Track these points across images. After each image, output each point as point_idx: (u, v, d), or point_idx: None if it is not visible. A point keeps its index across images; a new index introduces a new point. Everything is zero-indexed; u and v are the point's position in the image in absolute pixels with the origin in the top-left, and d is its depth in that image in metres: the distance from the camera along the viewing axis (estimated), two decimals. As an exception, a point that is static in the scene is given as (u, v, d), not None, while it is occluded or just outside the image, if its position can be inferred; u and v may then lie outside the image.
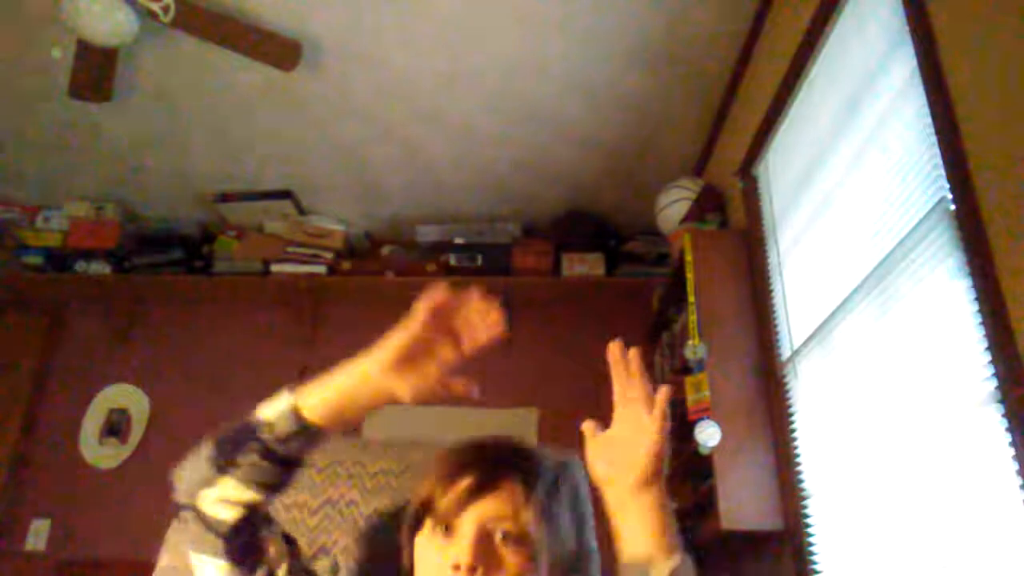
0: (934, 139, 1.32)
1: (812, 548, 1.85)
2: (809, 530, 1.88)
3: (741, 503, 2.03)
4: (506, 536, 0.81)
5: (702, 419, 2.10)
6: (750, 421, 2.12)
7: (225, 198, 3.19)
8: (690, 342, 2.23)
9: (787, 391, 2.07)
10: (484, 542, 0.79)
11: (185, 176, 3.09)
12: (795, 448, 1.99)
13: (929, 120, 1.34)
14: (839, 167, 1.80)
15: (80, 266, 3.16)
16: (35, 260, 3.16)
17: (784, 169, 2.17)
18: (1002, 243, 1.16)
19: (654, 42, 2.38)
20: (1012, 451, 1.08)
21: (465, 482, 0.82)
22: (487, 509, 0.81)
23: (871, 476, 1.56)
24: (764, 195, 2.33)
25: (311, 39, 2.35)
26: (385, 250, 3.30)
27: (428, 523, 0.83)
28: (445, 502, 0.82)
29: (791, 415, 2.03)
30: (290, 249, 3.18)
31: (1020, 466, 1.06)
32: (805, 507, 1.91)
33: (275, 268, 3.17)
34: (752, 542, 2.16)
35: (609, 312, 3.26)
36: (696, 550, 2.49)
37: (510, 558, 0.80)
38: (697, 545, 2.39)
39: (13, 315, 3.24)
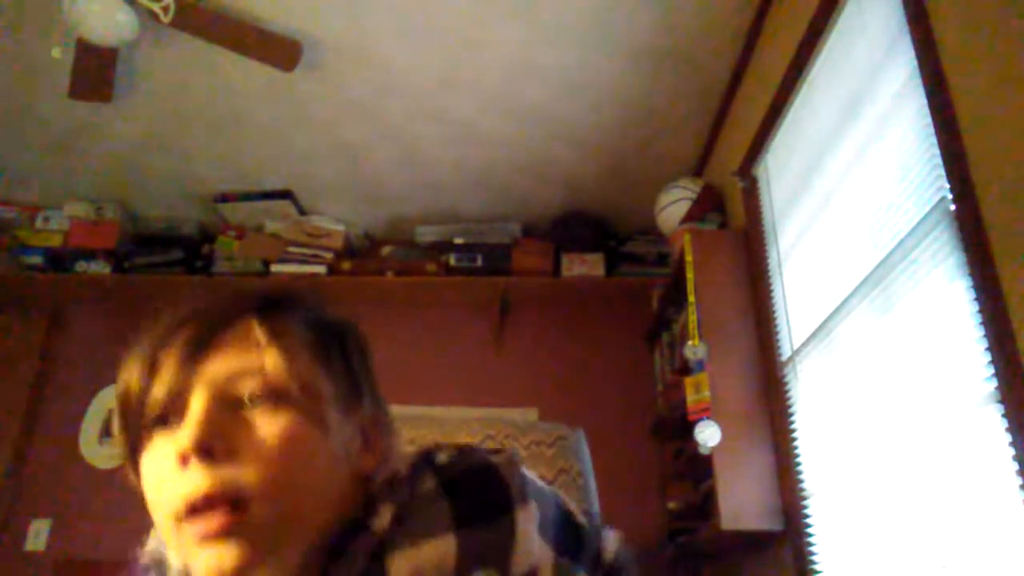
0: (934, 139, 1.32)
1: (812, 548, 1.85)
2: (809, 530, 1.88)
3: (741, 503, 2.03)
4: (257, 396, 0.55)
5: (702, 419, 2.10)
6: (750, 421, 2.12)
7: (225, 198, 3.19)
8: (690, 342, 2.23)
9: (787, 391, 2.07)
10: (223, 411, 0.54)
11: (185, 176, 3.09)
12: (795, 448, 1.99)
13: (929, 120, 1.34)
14: (839, 167, 1.80)
15: (80, 266, 3.16)
16: (35, 260, 3.16)
17: (784, 169, 2.17)
18: (1002, 243, 1.16)
19: (654, 42, 2.38)
20: (1012, 451, 1.08)
21: (178, 342, 0.57)
22: (217, 367, 0.56)
23: (871, 476, 1.56)
24: (764, 195, 2.33)
25: (311, 39, 2.35)
26: (385, 250, 3.30)
27: (145, 428, 0.57)
28: (158, 383, 0.56)
29: (791, 415, 2.04)
30: (290, 249, 3.18)
31: (1020, 466, 1.06)
32: (805, 507, 1.91)
33: (275, 268, 3.16)
34: (752, 542, 2.16)
35: (609, 312, 3.26)
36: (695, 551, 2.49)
37: (271, 423, 0.55)
38: (697, 545, 2.39)
39: (13, 315, 3.24)
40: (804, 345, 1.94)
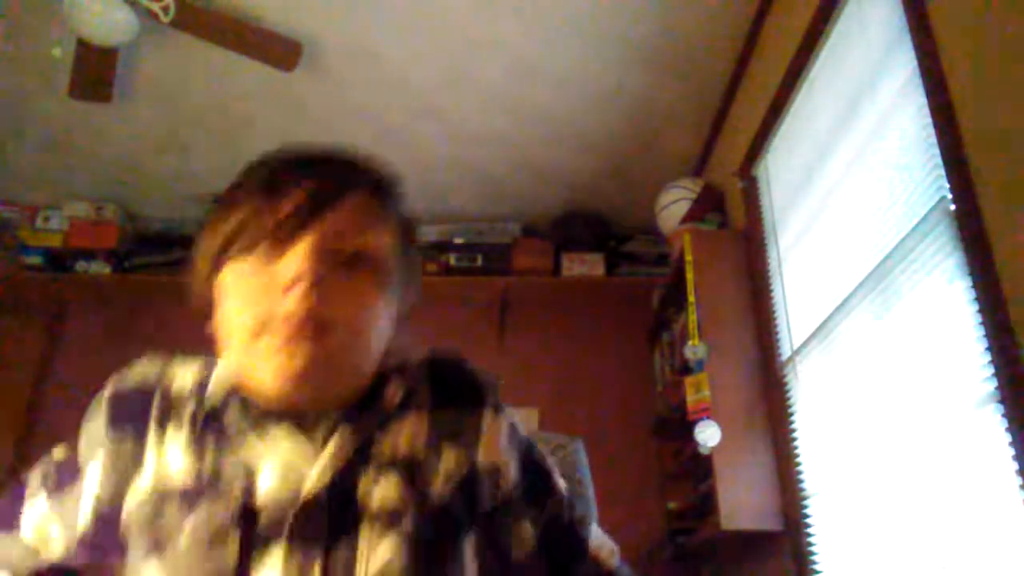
0: (934, 139, 1.32)
1: (812, 548, 1.85)
2: (809, 530, 1.88)
3: (741, 503, 2.03)
4: (354, 256, 0.65)
5: (702, 419, 2.10)
6: (750, 421, 2.12)
7: (225, 198, 3.19)
8: (690, 342, 2.23)
9: (787, 391, 2.07)
10: (324, 258, 0.63)
11: (185, 176, 3.09)
12: (795, 448, 1.99)
13: (929, 120, 1.34)
14: (839, 167, 1.80)
15: (80, 266, 3.16)
16: (35, 260, 3.16)
17: (784, 169, 2.17)
18: (1002, 243, 1.16)
19: (654, 42, 2.38)
20: (1012, 451, 1.08)
21: (298, 192, 0.65)
22: (329, 224, 0.64)
23: (871, 476, 1.56)
24: (764, 195, 2.33)
25: (311, 39, 2.35)
26: (385, 250, 3.30)
27: (241, 250, 0.65)
28: (271, 220, 0.64)
29: (791, 415, 2.04)
30: (290, 249, 3.18)
31: (1020, 466, 1.06)
32: (805, 507, 1.91)
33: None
34: (752, 542, 2.16)
35: (609, 312, 3.26)
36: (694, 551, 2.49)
37: (356, 283, 0.65)
38: (697, 545, 2.39)
39: (13, 315, 3.23)
40: (804, 345, 1.94)
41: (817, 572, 1.81)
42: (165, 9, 2.14)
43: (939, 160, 1.31)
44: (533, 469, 0.76)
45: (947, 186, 1.28)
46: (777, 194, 2.23)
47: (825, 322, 1.80)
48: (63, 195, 3.19)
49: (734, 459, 2.07)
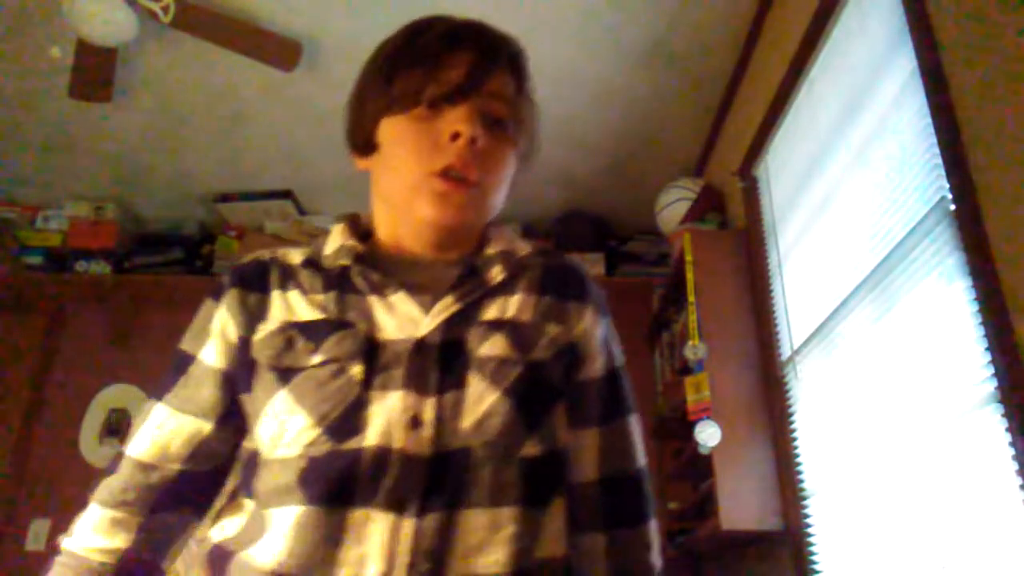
0: (934, 139, 1.32)
1: (812, 548, 1.85)
2: (809, 530, 1.88)
3: (741, 503, 2.03)
4: (499, 122, 0.77)
5: (702, 419, 2.10)
6: (750, 421, 2.12)
7: (225, 198, 3.19)
8: (690, 342, 2.23)
9: (787, 391, 2.07)
10: (480, 120, 0.74)
11: (185, 176, 3.09)
12: (795, 448, 1.99)
13: (929, 120, 1.34)
14: (839, 167, 1.80)
15: (80, 266, 3.16)
16: (35, 260, 3.16)
17: (784, 169, 2.17)
18: (1002, 243, 1.16)
19: (654, 42, 2.38)
20: (1012, 451, 1.08)
21: (463, 60, 0.75)
22: (486, 91, 0.76)
23: (871, 476, 1.56)
24: (764, 195, 2.33)
25: (311, 39, 2.35)
26: (385, 250, 3.30)
27: (408, 107, 0.75)
28: (439, 83, 0.75)
29: (791, 415, 2.04)
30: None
31: (1020, 466, 1.06)
32: (805, 507, 1.91)
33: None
34: (752, 542, 2.16)
35: (610, 311, 3.26)
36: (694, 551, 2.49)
37: (499, 146, 0.77)
38: (697, 545, 2.39)
39: (13, 315, 3.23)
40: (804, 345, 1.94)
41: (817, 572, 1.81)
42: (165, 9, 2.14)
43: (939, 160, 1.31)
44: (614, 383, 0.83)
45: (947, 186, 1.28)
46: (777, 194, 2.23)
47: (825, 322, 1.80)
48: (63, 195, 3.19)
49: (734, 459, 2.07)
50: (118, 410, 3.10)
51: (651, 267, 3.19)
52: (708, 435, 2.06)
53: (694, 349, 2.21)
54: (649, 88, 2.57)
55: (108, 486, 0.78)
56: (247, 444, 0.76)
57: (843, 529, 1.70)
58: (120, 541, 0.75)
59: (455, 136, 0.73)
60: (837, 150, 1.81)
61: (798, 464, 1.97)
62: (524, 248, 0.84)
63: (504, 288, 0.78)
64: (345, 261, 0.77)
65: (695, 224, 2.63)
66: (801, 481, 1.94)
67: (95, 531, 0.76)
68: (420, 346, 0.71)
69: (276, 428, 0.70)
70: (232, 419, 0.77)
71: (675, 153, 2.91)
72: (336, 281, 0.77)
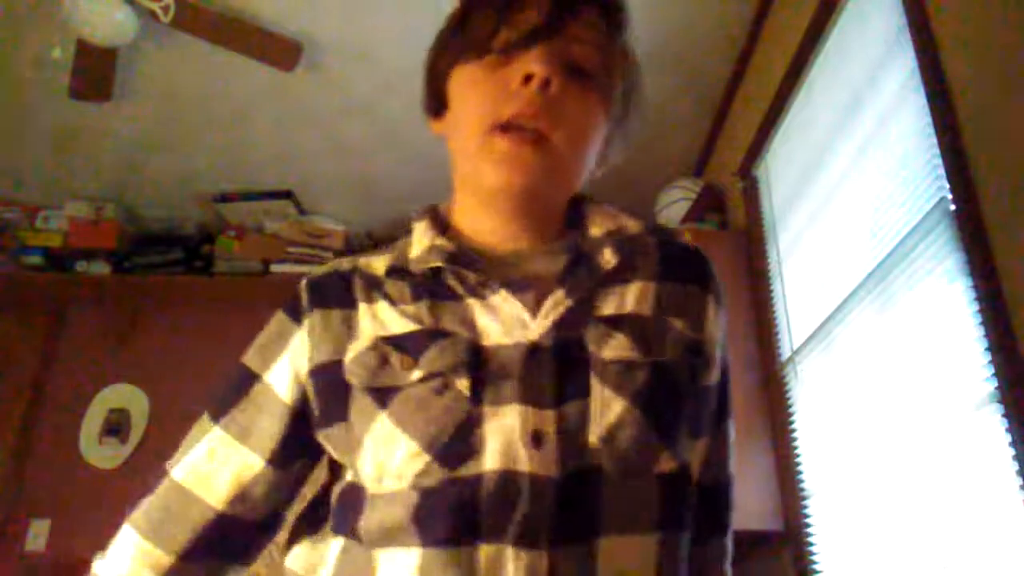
0: (934, 139, 1.32)
1: (812, 548, 1.85)
2: (809, 530, 1.88)
3: (741, 503, 2.01)
4: (583, 70, 0.67)
5: (702, 419, 2.10)
6: (750, 421, 2.12)
7: (225, 198, 3.19)
8: (690, 342, 2.22)
9: (787, 391, 2.07)
10: (556, 65, 0.65)
11: (185, 176, 3.09)
12: (795, 448, 1.99)
13: (929, 120, 1.34)
14: (839, 167, 1.80)
15: (80, 266, 3.16)
16: (35, 260, 3.16)
17: (784, 169, 2.17)
18: (1002, 243, 1.16)
19: (654, 42, 2.37)
20: (1012, 451, 1.08)
21: (539, 2, 0.66)
22: (565, 35, 0.67)
23: (871, 476, 1.56)
24: (764, 195, 2.32)
25: (311, 39, 2.34)
26: (385, 250, 3.29)
27: (478, 54, 0.67)
28: (514, 22, 0.66)
29: (791, 415, 2.03)
30: (290, 249, 3.18)
31: (1020, 466, 1.06)
32: (805, 507, 1.91)
33: (275, 268, 3.16)
34: (752, 542, 2.16)
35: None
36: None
37: (581, 97, 0.67)
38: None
39: (13, 315, 3.23)
40: (804, 345, 1.94)
41: (817, 572, 1.81)
42: (165, 9, 2.14)
43: (939, 160, 1.31)
44: (726, 383, 0.75)
45: (947, 186, 1.28)
46: (777, 194, 2.23)
47: (825, 322, 1.80)
48: (63, 195, 3.19)
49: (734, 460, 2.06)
50: (118, 410, 3.10)
51: (651, 267, 3.19)
52: (708, 435, 2.06)
53: (694, 349, 2.20)
54: (649, 88, 2.56)
55: (147, 510, 0.70)
56: (342, 484, 0.67)
57: (843, 529, 1.70)
58: None
59: (527, 79, 0.63)
60: (837, 150, 1.81)
61: (798, 464, 1.97)
62: (634, 225, 0.73)
63: (618, 276, 0.68)
64: (437, 262, 0.67)
65: (695, 224, 2.62)
66: (801, 481, 1.94)
67: (128, 563, 0.68)
68: (533, 351, 0.61)
69: (380, 458, 0.61)
70: (292, 463, 0.69)
71: (675, 153, 2.91)
72: (427, 287, 0.67)
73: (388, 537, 0.59)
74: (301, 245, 3.19)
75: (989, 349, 1.15)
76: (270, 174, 3.08)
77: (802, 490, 1.93)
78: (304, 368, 0.68)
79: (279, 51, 2.30)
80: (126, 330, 3.26)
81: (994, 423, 1.13)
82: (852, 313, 1.67)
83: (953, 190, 1.26)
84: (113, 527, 0.77)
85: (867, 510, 1.58)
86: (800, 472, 1.95)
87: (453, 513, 0.57)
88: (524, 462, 0.57)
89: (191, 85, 2.58)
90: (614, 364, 0.62)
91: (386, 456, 0.60)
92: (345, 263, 0.74)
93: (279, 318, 0.72)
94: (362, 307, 0.68)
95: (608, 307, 0.66)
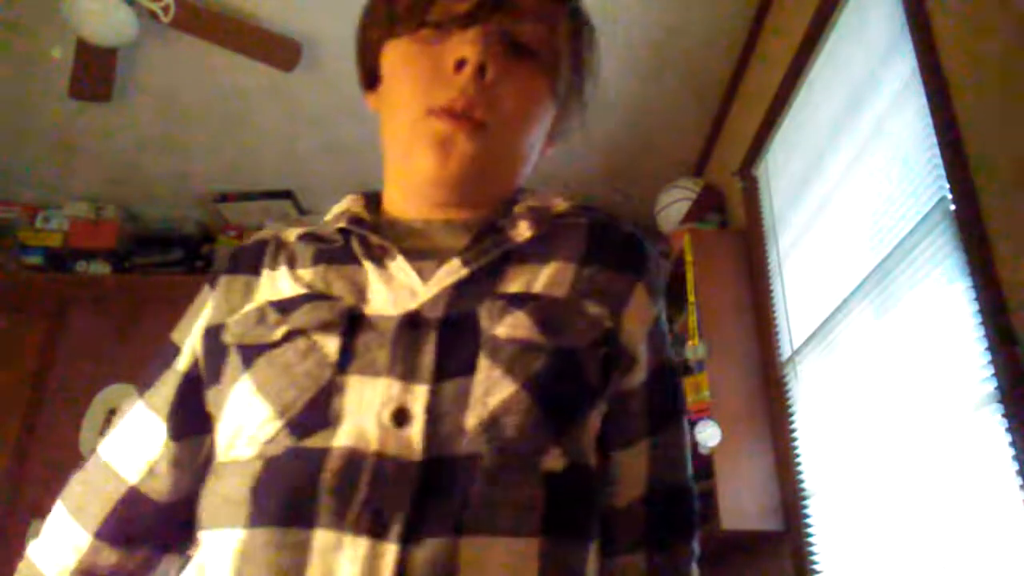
0: (934, 139, 1.32)
1: (812, 548, 1.85)
2: (809, 530, 1.88)
3: (741, 503, 2.03)
4: (525, 47, 0.62)
5: (702, 419, 2.10)
6: (750, 421, 2.12)
7: (225, 198, 3.19)
8: (690, 342, 2.22)
9: (787, 391, 2.07)
10: (496, 44, 0.60)
11: (185, 176, 3.09)
12: (795, 448, 1.99)
13: (929, 120, 1.34)
14: (839, 167, 1.80)
15: (80, 266, 3.16)
16: (35, 260, 3.16)
17: (784, 169, 2.17)
18: (1002, 243, 1.16)
19: (654, 42, 2.37)
20: (1012, 451, 1.08)
21: None
22: (506, 8, 0.61)
23: (871, 476, 1.56)
24: (764, 195, 2.32)
25: (311, 39, 2.34)
26: (385, 250, 3.29)
27: (410, 28, 0.62)
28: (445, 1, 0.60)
29: (791, 415, 2.03)
30: (290, 249, 3.18)
31: (1020, 466, 1.06)
32: (805, 507, 1.91)
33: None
34: (752, 542, 2.16)
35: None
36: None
37: (524, 77, 0.62)
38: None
39: (13, 315, 3.23)
40: (804, 345, 1.94)
41: (817, 572, 1.81)
42: (165, 9, 2.14)
43: (939, 160, 1.31)
44: (664, 382, 0.66)
45: (947, 186, 1.28)
46: (777, 194, 2.23)
47: (825, 322, 1.80)
48: (63, 195, 3.19)
49: (734, 459, 2.06)
50: (118, 410, 3.10)
51: (651, 267, 3.19)
52: (708, 435, 2.06)
53: (694, 349, 2.21)
54: (649, 88, 2.57)
55: (72, 486, 0.67)
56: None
57: (843, 529, 1.70)
58: (70, 562, 0.65)
59: (460, 64, 0.58)
60: (837, 150, 1.80)
61: (798, 464, 1.97)
62: (562, 204, 0.68)
63: (535, 254, 0.62)
64: (342, 223, 0.63)
65: (695, 224, 2.62)
66: (801, 481, 1.94)
67: (53, 541, 0.67)
68: (411, 320, 0.56)
69: (236, 423, 0.56)
70: (188, 435, 0.64)
71: (675, 153, 2.90)
72: (329, 252, 0.63)
73: (223, 513, 0.53)
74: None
75: (989, 349, 1.15)
76: (270, 174, 3.08)
77: (802, 490, 1.93)
78: (200, 332, 0.66)
79: (279, 51, 2.30)
80: (126, 330, 3.26)
81: (994, 423, 1.13)
82: (852, 313, 1.67)
83: (953, 190, 1.26)
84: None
85: (867, 510, 1.58)
86: (800, 472, 1.95)
87: (290, 490, 0.51)
88: (375, 441, 0.51)
89: (191, 85, 2.58)
90: (509, 344, 0.55)
91: (242, 421, 0.55)
92: (268, 232, 0.71)
93: (202, 290, 0.70)
94: (265, 273, 0.65)
95: (515, 284, 0.60)
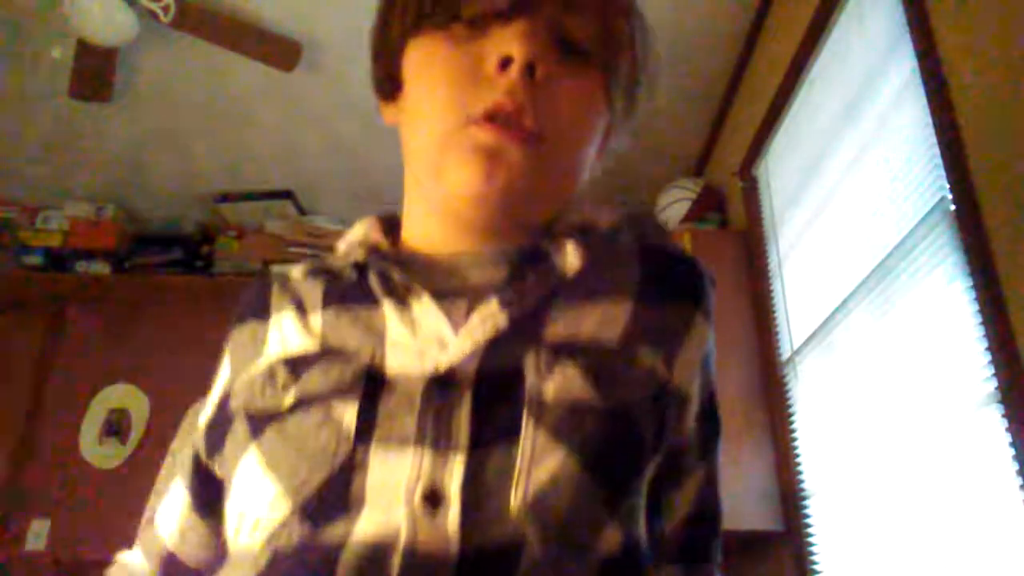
0: (934, 139, 1.32)
1: (812, 548, 1.85)
2: (809, 530, 1.88)
3: (741, 503, 2.03)
4: (582, 48, 0.52)
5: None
6: (750, 421, 2.12)
7: (225, 198, 3.19)
8: (690, 342, 2.22)
9: (787, 391, 2.07)
10: (547, 41, 0.50)
11: (185, 176, 3.09)
12: (795, 448, 1.99)
13: (929, 120, 1.34)
14: (839, 167, 1.80)
15: (80, 266, 3.16)
16: (35, 260, 3.16)
17: (784, 169, 2.17)
18: (1002, 243, 1.16)
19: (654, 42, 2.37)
20: (1012, 451, 1.08)
21: None
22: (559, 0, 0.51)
23: (871, 476, 1.56)
24: (764, 195, 2.32)
25: (311, 39, 2.34)
26: (385, 250, 3.29)
27: (441, 20, 0.51)
28: None
29: (791, 415, 2.03)
30: (290, 249, 3.18)
31: (1020, 466, 1.06)
32: (805, 507, 1.91)
33: (275, 268, 3.16)
34: (752, 542, 2.16)
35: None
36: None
37: (582, 82, 0.52)
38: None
39: (13, 315, 3.23)
40: (804, 345, 1.94)
41: (817, 572, 1.81)
42: (165, 9, 2.14)
43: (939, 160, 1.31)
44: (712, 406, 0.58)
45: (947, 186, 1.28)
46: (777, 194, 2.23)
47: (825, 322, 1.80)
48: (63, 195, 3.19)
49: (734, 459, 2.06)
50: (118, 410, 3.10)
51: (651, 267, 3.19)
52: (708, 435, 2.06)
53: (694, 349, 2.20)
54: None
55: (141, 531, 0.62)
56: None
57: (843, 529, 1.70)
58: None
59: (505, 63, 0.48)
60: (837, 150, 1.80)
61: (798, 464, 1.97)
62: (607, 218, 0.58)
63: (582, 285, 0.52)
64: (359, 256, 0.54)
65: (695, 224, 2.62)
66: (801, 481, 1.94)
67: None
68: (442, 380, 0.47)
69: (243, 504, 0.48)
70: (211, 512, 0.56)
71: (675, 153, 2.90)
72: (341, 290, 0.54)
73: None
74: (301, 245, 3.19)
75: (989, 349, 1.15)
76: (270, 174, 3.08)
77: (802, 490, 1.93)
78: (214, 406, 0.58)
79: (279, 51, 2.30)
80: (126, 330, 3.26)
81: (994, 423, 1.13)
82: (852, 313, 1.67)
83: (953, 190, 1.26)
84: (113, 527, 0.76)
85: (867, 510, 1.58)
86: (800, 472, 1.95)
87: None
88: (404, 531, 0.42)
89: (191, 85, 2.58)
90: (558, 404, 0.47)
91: (248, 499, 0.47)
92: (275, 273, 0.61)
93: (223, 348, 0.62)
94: (273, 318, 0.56)
95: (561, 326, 0.50)
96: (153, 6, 2.14)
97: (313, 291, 0.55)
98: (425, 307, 0.50)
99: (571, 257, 0.53)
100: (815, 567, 1.82)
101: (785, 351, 2.10)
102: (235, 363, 0.56)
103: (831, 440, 1.79)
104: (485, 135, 0.48)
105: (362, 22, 2.52)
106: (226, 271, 3.19)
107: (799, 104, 2.06)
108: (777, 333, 2.15)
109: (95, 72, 2.37)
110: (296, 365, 0.50)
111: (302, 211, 3.26)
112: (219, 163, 3.00)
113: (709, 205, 2.68)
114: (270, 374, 0.51)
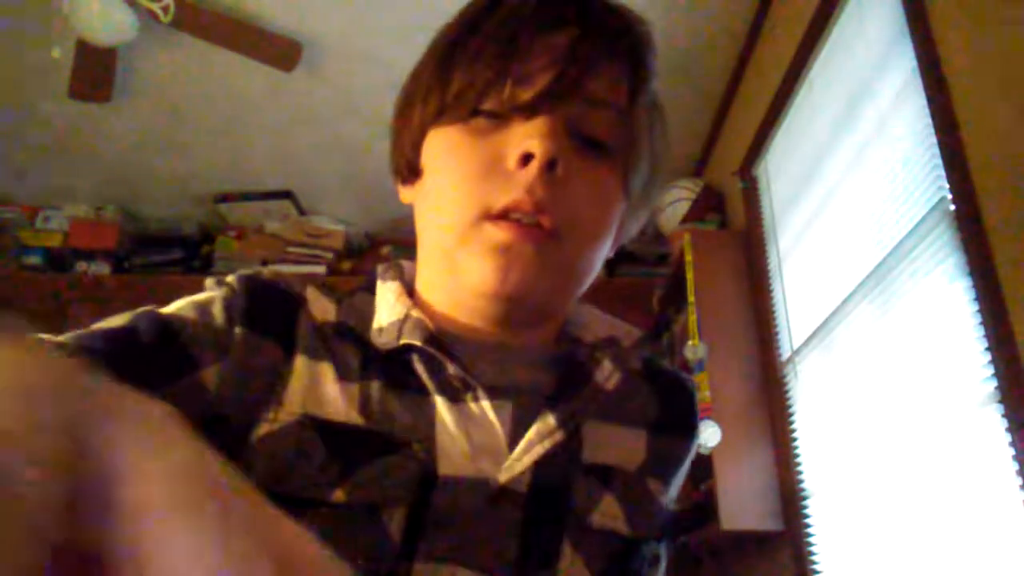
0: (934, 139, 1.32)
1: (812, 548, 1.85)
2: (809, 530, 1.88)
3: (741, 503, 2.03)
4: (601, 142, 0.51)
5: (702, 419, 2.09)
6: (750, 421, 2.12)
7: (225, 198, 3.19)
8: (690, 342, 2.23)
9: (787, 391, 2.07)
10: (567, 136, 0.50)
11: (185, 176, 3.09)
12: (795, 448, 1.99)
13: (929, 120, 1.34)
14: (839, 167, 1.80)
15: (80, 266, 3.16)
16: (35, 260, 3.16)
17: (784, 169, 2.17)
18: (1002, 243, 1.16)
19: (654, 42, 2.37)
20: (1012, 451, 1.08)
21: (549, 47, 0.49)
22: (582, 93, 0.50)
23: (871, 476, 1.56)
24: (764, 195, 2.33)
25: (311, 39, 2.34)
26: (385, 250, 3.30)
27: (462, 115, 0.51)
28: (514, 76, 0.49)
29: (791, 415, 2.04)
30: (290, 249, 3.18)
31: (1020, 466, 1.06)
32: (805, 507, 1.91)
33: (275, 268, 3.16)
34: (752, 542, 2.16)
35: (609, 312, 3.25)
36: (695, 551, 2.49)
37: (600, 176, 0.51)
38: (697, 545, 2.39)
39: (13, 315, 3.23)
40: (804, 345, 1.94)
41: (817, 572, 1.81)
42: (165, 9, 2.14)
43: (939, 160, 1.31)
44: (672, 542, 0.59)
45: (947, 186, 1.28)
46: (777, 194, 2.23)
47: (825, 322, 1.80)
48: (63, 195, 3.19)
49: (734, 459, 2.07)
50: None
51: (651, 267, 3.19)
52: (708, 435, 2.06)
53: (694, 349, 2.21)
54: (649, 88, 2.57)
55: None
56: None
57: (843, 529, 1.70)
58: None
59: (525, 159, 0.47)
60: (837, 150, 1.81)
61: (798, 464, 1.97)
62: (628, 337, 0.59)
63: (608, 405, 0.53)
64: (412, 339, 0.50)
65: (695, 224, 2.63)
66: (801, 481, 1.94)
67: None
68: (499, 496, 0.46)
69: None
70: None
71: (675, 153, 2.90)
72: (382, 364, 0.50)
73: None
74: (301, 245, 3.19)
75: (989, 349, 1.15)
76: (270, 174, 3.08)
77: (802, 490, 1.93)
78: (215, 392, 0.48)
79: (279, 51, 2.30)
80: (126, 330, 3.25)
81: (994, 423, 1.13)
82: (852, 313, 1.67)
83: (953, 190, 1.27)
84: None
85: (867, 510, 1.58)
86: (800, 472, 1.96)
87: None
88: None
89: (191, 85, 2.58)
90: (597, 531, 0.48)
91: None
92: (296, 284, 0.55)
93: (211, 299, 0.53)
94: (299, 359, 0.50)
95: (594, 448, 0.51)
96: (153, 6, 2.14)
97: (346, 351, 0.51)
98: (482, 409, 0.49)
99: (608, 373, 0.54)
100: (815, 567, 1.82)
101: (785, 351, 2.10)
102: (235, 364, 0.48)
103: (831, 440, 1.79)
104: (502, 234, 0.48)
105: (362, 22, 2.54)
106: (226, 271, 3.18)
107: (799, 104, 2.06)
108: (777, 333, 2.15)
109: (95, 72, 2.37)
110: (340, 442, 0.46)
111: (302, 211, 3.26)
112: (219, 163, 3.00)
113: (709, 205, 2.69)
114: (302, 447, 0.46)
